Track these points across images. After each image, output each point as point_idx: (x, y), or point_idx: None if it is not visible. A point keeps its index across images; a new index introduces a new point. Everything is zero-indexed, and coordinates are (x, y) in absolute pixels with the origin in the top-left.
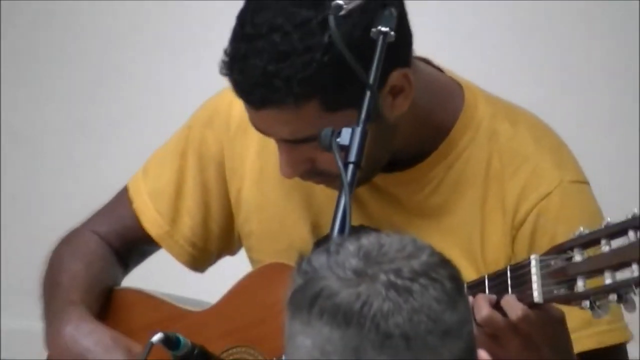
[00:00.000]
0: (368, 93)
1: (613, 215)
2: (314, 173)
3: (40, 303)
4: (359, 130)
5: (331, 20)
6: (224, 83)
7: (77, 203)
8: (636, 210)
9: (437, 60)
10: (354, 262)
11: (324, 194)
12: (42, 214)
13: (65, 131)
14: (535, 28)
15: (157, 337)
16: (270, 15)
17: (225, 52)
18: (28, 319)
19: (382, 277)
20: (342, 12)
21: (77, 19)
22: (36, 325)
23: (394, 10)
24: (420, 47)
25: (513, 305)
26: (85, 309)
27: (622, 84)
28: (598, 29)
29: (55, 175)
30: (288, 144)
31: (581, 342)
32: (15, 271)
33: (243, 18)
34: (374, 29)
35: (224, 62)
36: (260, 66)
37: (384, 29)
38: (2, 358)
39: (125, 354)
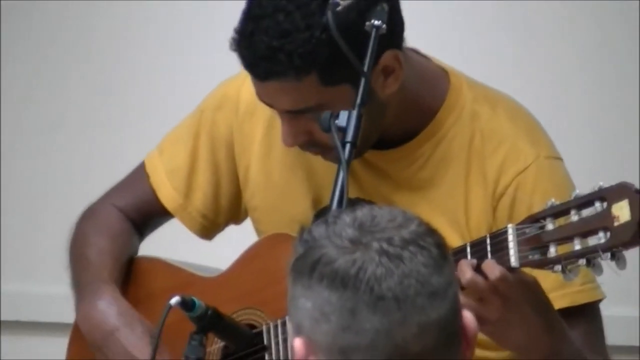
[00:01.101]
0: (363, 80)
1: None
2: (312, 144)
3: (68, 274)
4: (354, 113)
5: (329, 15)
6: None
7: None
8: (601, 183)
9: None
10: (349, 232)
11: (323, 170)
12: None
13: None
14: (534, 28)
15: (174, 300)
16: None
17: (235, 30)
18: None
19: (375, 245)
20: (339, 8)
21: (83, 20)
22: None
23: (385, 5)
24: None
25: (492, 268)
26: (115, 287)
27: (622, 84)
28: (598, 29)
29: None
30: (289, 114)
31: (555, 301)
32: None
33: (251, 0)
34: (367, 23)
35: (233, 39)
36: (266, 42)
37: (376, 22)
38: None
39: (148, 335)
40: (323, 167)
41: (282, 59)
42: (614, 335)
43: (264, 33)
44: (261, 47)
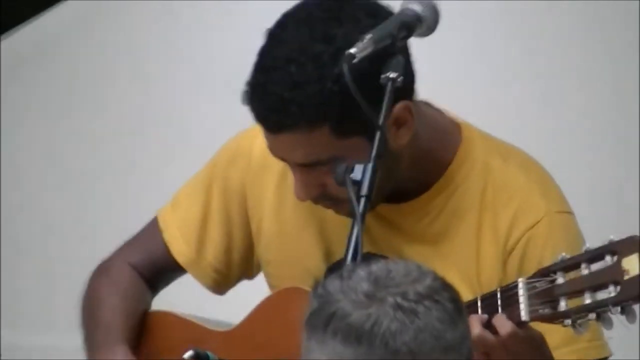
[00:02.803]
0: (378, 133)
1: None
2: (325, 197)
3: (80, 331)
4: (370, 166)
5: (345, 67)
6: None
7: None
8: (612, 237)
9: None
10: (365, 286)
11: (335, 224)
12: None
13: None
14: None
15: (188, 354)
16: (287, 49)
17: (247, 82)
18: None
19: (390, 299)
20: (355, 61)
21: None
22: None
23: (401, 58)
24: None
25: (503, 323)
26: (128, 348)
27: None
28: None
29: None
30: (302, 168)
31: (564, 357)
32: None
33: (263, 52)
34: (383, 75)
35: (245, 91)
36: (278, 94)
37: (392, 75)
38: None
39: None
40: (335, 221)
41: (294, 111)
42: None
43: (275, 85)
44: (273, 99)
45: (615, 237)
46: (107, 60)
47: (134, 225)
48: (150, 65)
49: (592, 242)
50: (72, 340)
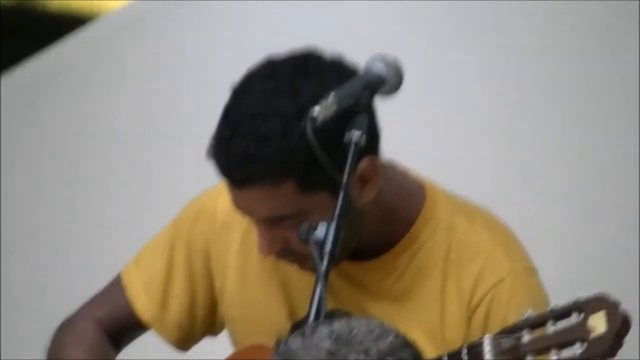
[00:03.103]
0: (342, 191)
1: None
2: (288, 253)
3: None
4: (333, 224)
5: (308, 126)
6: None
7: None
8: (580, 296)
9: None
10: (327, 344)
11: (299, 281)
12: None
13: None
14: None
15: None
16: (253, 103)
17: (212, 136)
18: None
19: (353, 357)
20: (317, 122)
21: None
22: None
23: (365, 116)
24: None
25: None
26: None
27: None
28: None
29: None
30: (266, 222)
31: None
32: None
33: (228, 107)
34: (347, 133)
35: (210, 145)
36: (243, 147)
37: (356, 132)
38: None
39: None
40: (298, 277)
41: (259, 165)
42: None
43: (240, 138)
44: (238, 152)
45: (582, 296)
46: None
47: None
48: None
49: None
50: None
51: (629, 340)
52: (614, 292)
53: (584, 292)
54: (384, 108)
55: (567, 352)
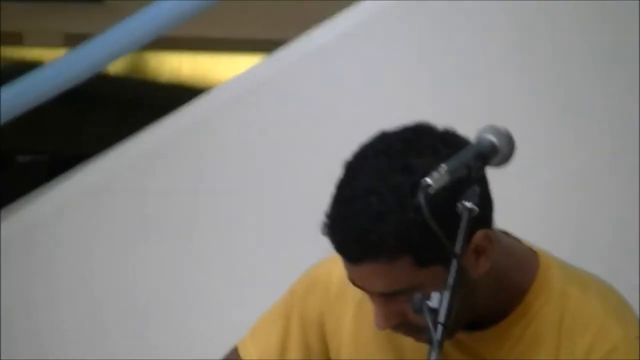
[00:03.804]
0: (454, 261)
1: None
2: (404, 326)
3: None
4: (446, 294)
5: (421, 197)
6: None
7: None
8: None
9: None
10: None
11: (413, 350)
12: None
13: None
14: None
15: None
16: (367, 180)
17: (326, 214)
18: None
19: None
20: (431, 191)
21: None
22: None
23: (477, 188)
24: None
25: None
26: None
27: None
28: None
29: None
30: (383, 297)
31: None
32: None
33: (342, 183)
34: (459, 204)
35: (325, 224)
36: (358, 224)
37: (468, 204)
38: None
39: None
40: (413, 348)
41: (375, 242)
42: None
43: (356, 216)
44: (354, 230)
45: None
46: None
47: None
48: None
49: None
50: None
51: None
52: None
53: None
54: None
55: None
